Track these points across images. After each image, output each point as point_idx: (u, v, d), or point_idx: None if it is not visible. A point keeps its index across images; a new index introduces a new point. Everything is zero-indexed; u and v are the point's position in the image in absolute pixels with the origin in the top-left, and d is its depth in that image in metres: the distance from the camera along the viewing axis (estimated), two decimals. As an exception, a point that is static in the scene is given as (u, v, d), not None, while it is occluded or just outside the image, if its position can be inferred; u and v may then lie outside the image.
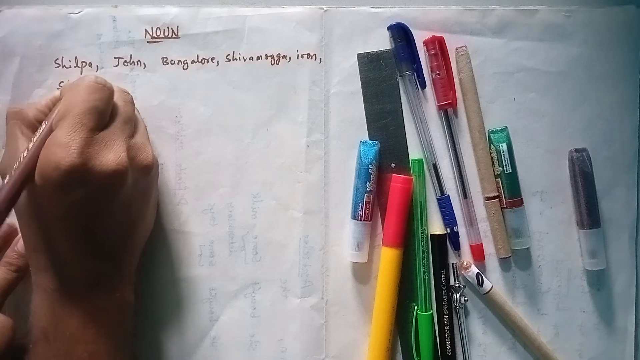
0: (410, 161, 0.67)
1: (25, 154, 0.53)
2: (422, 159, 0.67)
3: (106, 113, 0.55)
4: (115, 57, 0.66)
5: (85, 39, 0.65)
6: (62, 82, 0.65)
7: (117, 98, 0.58)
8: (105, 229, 0.56)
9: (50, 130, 0.53)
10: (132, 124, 0.59)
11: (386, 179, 0.67)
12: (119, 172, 0.53)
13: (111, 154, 0.53)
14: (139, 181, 0.57)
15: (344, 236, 0.67)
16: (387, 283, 0.66)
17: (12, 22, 0.65)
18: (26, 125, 0.58)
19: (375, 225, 0.67)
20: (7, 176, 0.52)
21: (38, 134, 0.54)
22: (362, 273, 0.67)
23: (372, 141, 0.66)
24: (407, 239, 0.66)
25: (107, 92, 0.55)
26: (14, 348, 0.60)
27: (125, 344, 0.60)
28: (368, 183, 0.65)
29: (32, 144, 0.53)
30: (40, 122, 0.58)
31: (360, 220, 0.66)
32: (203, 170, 0.66)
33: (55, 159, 0.50)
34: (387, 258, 0.66)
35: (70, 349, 0.55)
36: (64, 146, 0.50)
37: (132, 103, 0.61)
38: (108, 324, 0.57)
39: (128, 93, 0.61)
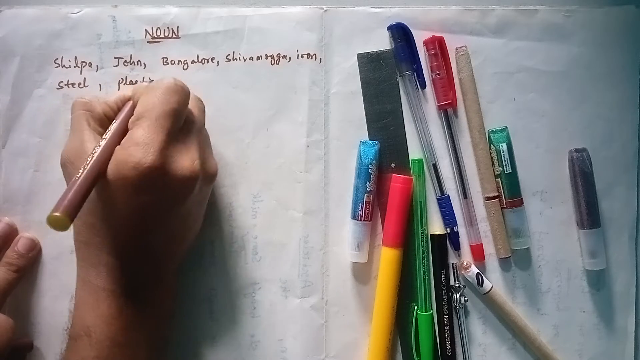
0: (410, 161, 0.67)
1: (96, 150, 0.51)
2: (422, 159, 0.67)
3: (183, 117, 0.54)
4: (115, 57, 0.66)
5: (85, 38, 0.65)
6: (62, 81, 0.65)
7: (192, 105, 0.57)
8: (162, 234, 0.56)
9: (125, 129, 0.53)
10: (203, 132, 0.59)
11: (386, 179, 0.67)
12: (192, 179, 0.53)
13: (187, 160, 0.53)
14: (202, 190, 0.57)
15: (344, 236, 0.67)
16: (387, 283, 0.66)
17: (12, 22, 0.65)
18: (94, 118, 0.58)
19: (375, 225, 0.67)
20: (80, 170, 0.50)
21: (110, 131, 0.54)
22: (362, 273, 0.67)
23: (372, 141, 0.66)
24: (407, 239, 0.66)
25: (185, 95, 0.55)
26: (13, 348, 0.60)
27: (163, 351, 0.61)
28: (368, 183, 0.65)
29: (104, 140, 0.52)
30: (109, 119, 0.58)
31: (360, 220, 0.66)
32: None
33: (134, 159, 0.49)
34: (387, 258, 0.66)
35: (111, 352, 0.54)
36: (143, 147, 0.50)
37: (204, 111, 0.60)
38: (149, 330, 0.57)
39: (201, 101, 0.60)
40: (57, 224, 0.47)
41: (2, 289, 0.61)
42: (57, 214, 0.47)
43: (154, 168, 0.50)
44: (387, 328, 0.66)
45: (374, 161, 0.65)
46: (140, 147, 0.50)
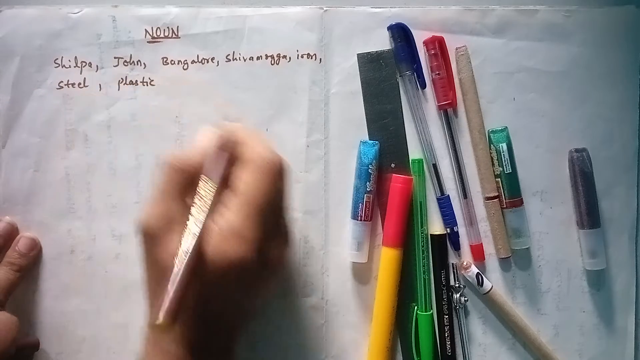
0: (410, 161, 0.67)
1: (191, 231, 0.48)
2: (422, 159, 0.67)
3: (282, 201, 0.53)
4: (115, 57, 0.66)
5: (85, 38, 0.65)
6: (62, 81, 0.65)
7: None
8: (241, 307, 0.54)
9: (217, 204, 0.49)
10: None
11: (386, 179, 0.67)
12: (282, 267, 0.54)
13: (282, 250, 0.52)
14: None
15: (344, 236, 0.67)
16: (387, 283, 0.66)
17: (12, 22, 0.65)
18: (187, 183, 0.52)
19: (375, 225, 0.67)
20: (175, 262, 0.47)
21: (202, 210, 0.49)
22: (362, 273, 0.67)
23: (372, 141, 0.66)
24: (407, 239, 0.66)
25: (287, 176, 0.53)
26: (19, 347, 0.60)
27: None
28: (368, 183, 0.65)
29: (198, 221, 0.48)
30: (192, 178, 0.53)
31: (360, 220, 0.66)
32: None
33: (232, 253, 0.47)
34: (387, 258, 0.66)
35: None
36: (244, 240, 0.47)
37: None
38: None
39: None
40: (162, 329, 0.46)
41: (5, 288, 0.62)
42: (159, 322, 0.45)
43: (251, 263, 0.47)
44: (387, 328, 0.66)
45: (374, 161, 0.65)
46: (240, 239, 0.47)
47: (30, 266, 0.65)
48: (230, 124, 0.54)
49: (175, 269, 0.47)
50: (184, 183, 0.51)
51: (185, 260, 0.47)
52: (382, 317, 0.66)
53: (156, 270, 0.50)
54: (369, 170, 0.65)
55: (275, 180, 0.50)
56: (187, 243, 0.47)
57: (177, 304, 0.46)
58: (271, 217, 0.50)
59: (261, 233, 0.48)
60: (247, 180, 0.49)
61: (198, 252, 0.47)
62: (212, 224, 0.48)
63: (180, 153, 0.51)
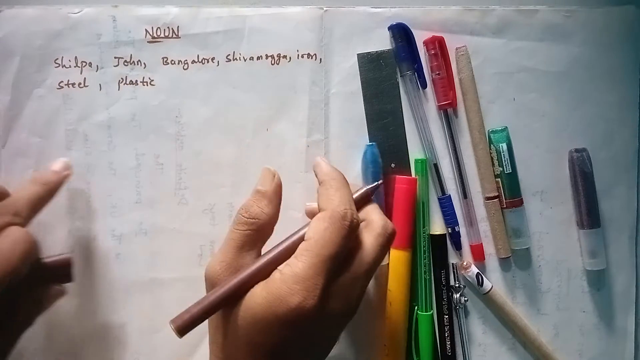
0: (414, 161, 0.67)
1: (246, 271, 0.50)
2: (425, 159, 0.67)
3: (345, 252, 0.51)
4: (115, 57, 0.65)
5: (85, 38, 0.65)
6: (62, 81, 0.65)
7: (370, 235, 0.53)
8: (308, 355, 0.52)
9: (291, 251, 0.50)
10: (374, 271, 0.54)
11: (388, 179, 0.67)
12: (346, 321, 0.52)
13: (343, 304, 0.50)
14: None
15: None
16: (398, 286, 0.66)
17: (12, 22, 0.65)
18: (260, 239, 0.54)
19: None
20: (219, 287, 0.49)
21: (271, 254, 0.51)
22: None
23: (373, 143, 0.67)
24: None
25: (355, 232, 0.52)
26: (38, 266, 0.59)
27: None
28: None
29: (259, 262, 0.51)
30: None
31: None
32: (203, 170, 0.66)
33: (294, 299, 0.47)
34: (397, 260, 0.66)
35: None
36: (307, 288, 0.47)
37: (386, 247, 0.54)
38: None
39: (385, 234, 0.54)
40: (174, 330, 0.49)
41: (32, 202, 0.59)
42: (172, 325, 0.48)
43: (313, 311, 0.47)
44: (401, 330, 0.66)
45: (380, 163, 0.66)
46: (303, 286, 0.47)
47: (59, 185, 0.63)
48: (327, 168, 0.56)
49: (212, 292, 0.49)
50: (254, 235, 0.53)
51: (226, 287, 0.49)
52: (395, 319, 0.66)
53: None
54: (377, 173, 0.66)
55: (347, 234, 0.50)
56: (235, 277, 0.50)
57: (193, 320, 0.48)
58: (337, 269, 0.50)
59: (325, 282, 0.48)
60: (316, 229, 0.50)
61: (255, 295, 0.48)
62: (276, 272, 0.49)
63: (252, 204, 0.54)
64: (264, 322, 0.47)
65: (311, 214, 0.57)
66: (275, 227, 0.57)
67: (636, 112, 0.68)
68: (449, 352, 0.67)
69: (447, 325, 0.67)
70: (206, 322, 0.50)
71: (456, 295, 0.67)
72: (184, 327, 0.48)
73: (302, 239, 0.50)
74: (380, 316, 0.67)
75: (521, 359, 0.69)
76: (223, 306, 0.50)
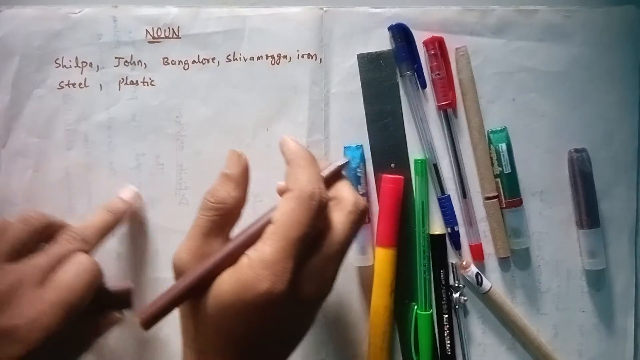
0: (414, 161, 0.67)
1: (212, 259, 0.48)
2: (424, 159, 0.67)
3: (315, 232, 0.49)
4: (115, 57, 0.66)
5: (86, 38, 0.65)
6: (62, 81, 0.65)
7: (341, 213, 0.51)
8: (276, 346, 0.51)
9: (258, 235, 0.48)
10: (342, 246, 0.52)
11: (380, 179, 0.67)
12: (320, 304, 0.51)
13: (315, 287, 0.49)
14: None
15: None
16: (382, 284, 0.66)
17: (12, 22, 0.65)
18: (223, 221, 0.52)
19: (375, 227, 0.67)
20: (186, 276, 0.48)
21: (240, 237, 0.49)
22: (363, 273, 0.67)
23: (355, 145, 0.67)
24: (403, 239, 0.67)
25: (324, 211, 0.50)
26: (101, 293, 0.58)
27: None
28: (359, 186, 0.66)
29: (227, 247, 0.49)
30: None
31: (359, 224, 0.66)
32: (203, 170, 0.66)
33: (262, 285, 0.45)
34: (381, 258, 0.66)
35: None
36: (275, 273, 0.45)
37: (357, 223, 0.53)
38: None
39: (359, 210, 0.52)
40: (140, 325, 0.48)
41: (101, 230, 0.60)
42: (136, 318, 0.47)
43: (283, 296, 0.45)
44: (381, 328, 0.66)
45: (361, 164, 0.66)
46: (270, 272, 0.45)
47: (127, 213, 0.64)
48: (294, 146, 0.53)
49: (177, 282, 0.48)
50: (221, 221, 0.51)
51: (192, 276, 0.48)
52: (376, 317, 0.66)
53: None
54: (358, 174, 0.65)
55: (315, 214, 0.48)
56: (201, 265, 0.48)
57: (158, 313, 0.47)
58: (309, 254, 0.48)
59: (294, 266, 0.46)
60: (283, 210, 0.48)
61: (223, 283, 0.47)
62: (244, 257, 0.47)
63: (218, 189, 0.52)
64: (232, 310, 0.46)
65: (280, 192, 0.53)
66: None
67: (636, 112, 0.68)
68: (448, 352, 0.67)
69: (446, 325, 0.67)
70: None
71: (455, 295, 0.67)
72: (148, 320, 0.47)
73: (269, 221, 0.48)
74: (365, 315, 0.67)
75: (521, 359, 0.69)
76: (190, 296, 0.48)
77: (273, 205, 0.50)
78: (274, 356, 0.51)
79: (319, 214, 0.48)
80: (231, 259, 0.48)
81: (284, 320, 0.48)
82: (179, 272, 0.50)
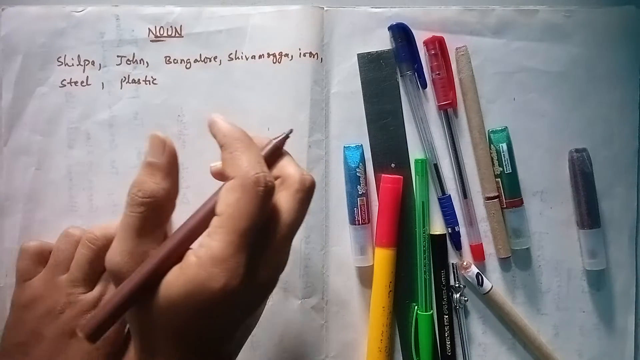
0: (414, 161, 0.67)
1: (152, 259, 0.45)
2: (425, 159, 0.67)
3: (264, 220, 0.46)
4: (118, 56, 0.66)
5: (88, 37, 0.66)
6: (64, 80, 0.66)
7: (287, 193, 0.48)
8: (230, 339, 0.49)
9: (204, 224, 0.45)
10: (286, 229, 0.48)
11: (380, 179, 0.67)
12: (273, 286, 0.48)
13: (269, 272, 0.47)
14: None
15: (345, 236, 0.67)
16: (380, 283, 0.66)
17: (15, 20, 0.65)
18: (156, 216, 0.47)
19: (375, 227, 0.67)
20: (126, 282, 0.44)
21: (181, 231, 0.46)
22: (363, 273, 0.67)
23: (354, 145, 0.67)
24: (402, 239, 0.67)
25: (272, 196, 0.46)
26: None
27: None
28: (359, 186, 0.66)
29: (166, 244, 0.45)
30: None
31: (359, 224, 0.66)
32: (205, 169, 0.66)
33: (216, 283, 0.42)
34: (380, 258, 0.66)
35: None
36: (228, 269, 0.42)
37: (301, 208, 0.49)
38: None
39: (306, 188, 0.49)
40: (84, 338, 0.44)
41: None
42: (80, 333, 0.44)
43: (237, 289, 0.43)
44: (380, 328, 0.66)
45: (360, 164, 0.66)
46: (223, 268, 0.42)
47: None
48: (226, 127, 0.49)
49: (120, 288, 0.44)
50: (153, 216, 0.47)
51: (135, 281, 0.44)
52: (375, 317, 0.66)
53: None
54: (357, 174, 0.66)
55: (263, 202, 0.44)
56: (142, 268, 0.44)
57: (103, 325, 0.44)
58: (261, 242, 0.45)
59: (246, 258, 0.43)
60: (228, 201, 0.44)
61: (171, 284, 0.43)
62: (191, 255, 0.44)
63: (145, 180, 0.47)
64: (185, 311, 0.43)
65: (217, 175, 0.51)
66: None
67: (636, 112, 0.68)
68: (448, 352, 0.67)
69: (447, 325, 0.67)
70: None
71: (456, 295, 0.67)
72: (92, 333, 0.43)
73: (212, 212, 0.45)
74: (364, 315, 0.67)
75: (521, 359, 0.68)
76: (136, 301, 0.44)
77: (212, 192, 0.47)
78: (231, 346, 0.50)
79: (267, 200, 0.45)
80: (176, 255, 0.45)
81: (238, 310, 0.46)
82: (117, 278, 0.45)
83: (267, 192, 0.44)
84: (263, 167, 0.45)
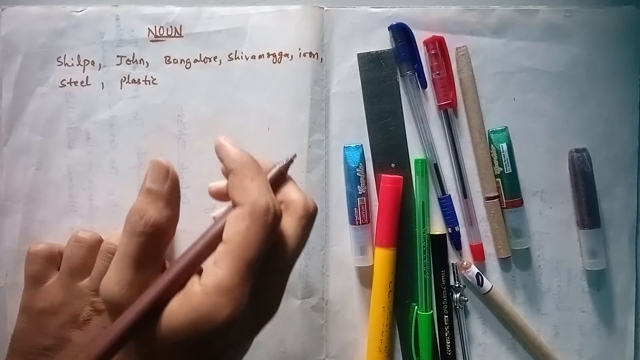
0: (414, 161, 0.67)
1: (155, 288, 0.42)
2: (425, 159, 0.67)
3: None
4: (118, 56, 0.66)
5: (88, 37, 0.66)
6: (64, 80, 0.66)
7: (291, 219, 0.46)
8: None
9: (208, 251, 0.43)
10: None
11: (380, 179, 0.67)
12: (269, 320, 0.47)
13: (272, 297, 0.46)
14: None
15: (345, 236, 0.67)
16: (380, 283, 0.66)
17: (15, 20, 0.65)
18: (155, 247, 0.45)
19: (375, 227, 0.67)
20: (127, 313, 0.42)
21: (184, 259, 0.43)
22: (363, 273, 0.67)
23: (354, 145, 0.67)
24: (402, 239, 0.67)
25: (279, 225, 0.45)
26: None
27: None
28: (359, 186, 0.66)
29: (173, 271, 0.43)
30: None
31: (358, 224, 0.66)
32: (205, 169, 0.66)
33: (221, 314, 0.41)
34: (380, 258, 0.66)
35: None
36: (234, 299, 0.41)
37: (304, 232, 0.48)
38: None
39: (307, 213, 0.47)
40: None
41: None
42: None
43: (242, 316, 0.41)
44: (380, 328, 0.66)
45: (361, 164, 0.66)
46: (228, 299, 0.41)
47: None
48: (235, 153, 0.47)
49: (121, 318, 0.42)
50: (153, 245, 0.44)
51: (136, 312, 0.42)
52: (374, 317, 0.66)
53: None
54: (357, 174, 0.66)
55: (271, 230, 0.43)
56: (145, 297, 0.42)
57: (103, 353, 0.41)
58: (265, 269, 0.44)
59: (251, 287, 0.42)
60: (236, 229, 0.42)
61: (174, 314, 0.41)
62: (195, 283, 0.42)
63: (146, 208, 0.44)
64: (189, 340, 0.42)
65: (217, 195, 0.49)
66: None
67: (636, 112, 0.68)
68: (448, 352, 0.67)
69: (447, 325, 0.67)
70: None
71: (456, 295, 0.67)
72: None
73: (218, 238, 0.43)
74: (364, 315, 0.68)
75: (521, 359, 0.68)
76: (137, 331, 0.42)
77: (218, 216, 0.46)
78: None
79: (275, 228, 0.44)
80: (178, 284, 0.43)
81: (239, 335, 0.45)
82: (114, 309, 0.43)
83: (275, 220, 0.43)
84: (272, 195, 0.44)
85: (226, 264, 0.41)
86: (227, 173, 0.46)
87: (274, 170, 0.48)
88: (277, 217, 0.43)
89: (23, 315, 0.62)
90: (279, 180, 0.49)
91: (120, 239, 0.44)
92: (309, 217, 0.47)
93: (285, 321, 0.66)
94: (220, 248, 0.42)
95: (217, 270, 0.41)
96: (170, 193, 0.46)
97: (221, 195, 0.48)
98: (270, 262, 0.44)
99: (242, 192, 0.44)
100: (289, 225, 0.46)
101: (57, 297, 0.61)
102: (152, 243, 0.44)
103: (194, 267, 0.43)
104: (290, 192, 0.48)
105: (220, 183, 0.48)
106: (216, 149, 0.48)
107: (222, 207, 0.47)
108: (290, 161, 0.49)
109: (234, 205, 0.44)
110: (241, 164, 0.45)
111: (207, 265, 0.42)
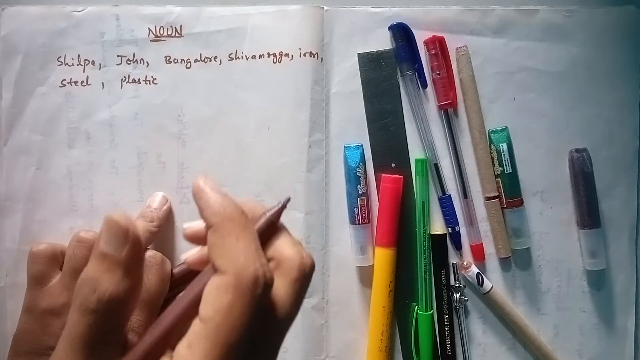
0: (414, 161, 0.67)
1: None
2: (425, 159, 0.67)
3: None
4: (118, 56, 0.66)
5: (88, 37, 0.66)
6: (64, 79, 0.66)
7: (284, 280, 0.38)
8: None
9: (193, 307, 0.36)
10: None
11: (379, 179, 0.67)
12: None
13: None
14: None
15: (345, 236, 0.67)
16: (380, 283, 0.66)
17: (15, 20, 0.65)
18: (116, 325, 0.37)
19: (375, 226, 0.67)
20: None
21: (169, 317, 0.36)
22: (363, 273, 0.67)
23: (355, 144, 0.67)
24: (403, 239, 0.67)
25: (270, 294, 0.37)
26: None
27: None
28: (359, 186, 0.66)
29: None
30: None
31: (359, 224, 0.66)
32: (205, 169, 0.66)
33: None
34: (380, 258, 0.66)
35: None
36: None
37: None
38: None
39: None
40: None
41: (145, 238, 0.60)
42: None
43: None
44: (380, 328, 0.66)
45: (361, 164, 0.66)
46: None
47: (163, 220, 0.65)
48: (216, 204, 0.38)
49: None
50: (111, 322, 0.36)
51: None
52: (374, 317, 0.66)
53: None
54: (357, 174, 0.66)
55: (259, 304, 0.35)
56: None
57: None
58: (251, 346, 0.36)
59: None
60: (217, 306, 0.34)
61: None
62: None
63: (100, 280, 0.35)
64: None
65: (194, 239, 0.41)
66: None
67: (636, 112, 0.68)
68: (449, 352, 0.67)
69: (447, 325, 0.67)
70: None
71: (456, 295, 0.67)
72: None
73: (193, 308, 0.35)
74: (365, 315, 0.68)
75: (521, 359, 0.68)
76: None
77: (191, 261, 0.41)
78: None
79: (264, 300, 0.36)
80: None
81: None
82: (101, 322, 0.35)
83: (265, 291, 0.35)
84: (262, 257, 0.36)
85: (203, 350, 0.33)
86: (207, 226, 0.38)
87: (263, 220, 0.40)
88: (267, 286, 0.35)
89: (26, 315, 0.62)
90: (270, 231, 0.40)
91: (69, 314, 0.36)
92: (305, 279, 0.39)
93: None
94: (197, 327, 0.34)
95: (193, 357, 0.33)
96: (130, 258, 0.36)
97: (199, 240, 0.41)
98: (259, 335, 0.37)
99: (225, 255, 0.36)
100: (281, 289, 0.38)
101: (60, 298, 0.61)
102: (108, 321, 0.35)
103: (163, 347, 0.36)
104: (282, 247, 0.39)
105: (198, 224, 0.40)
106: (194, 194, 0.39)
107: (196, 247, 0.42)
108: (283, 207, 0.41)
109: (215, 270, 0.36)
110: (224, 218, 0.37)
111: (180, 348, 0.34)
